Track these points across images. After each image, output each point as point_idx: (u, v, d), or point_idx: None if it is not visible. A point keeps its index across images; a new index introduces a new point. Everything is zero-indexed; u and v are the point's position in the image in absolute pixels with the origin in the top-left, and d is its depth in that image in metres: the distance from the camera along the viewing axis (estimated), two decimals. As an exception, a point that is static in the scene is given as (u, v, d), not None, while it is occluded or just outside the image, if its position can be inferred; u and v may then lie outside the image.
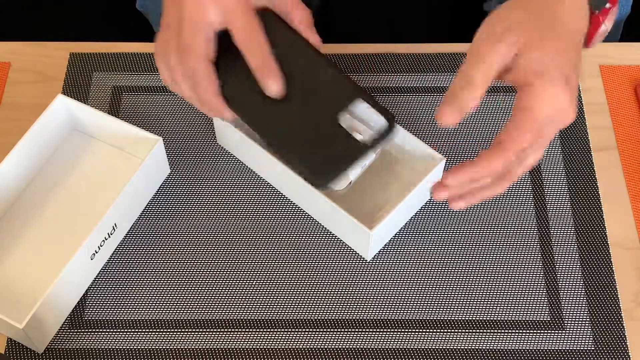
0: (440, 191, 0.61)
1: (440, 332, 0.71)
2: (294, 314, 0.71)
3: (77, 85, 0.84)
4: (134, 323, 0.71)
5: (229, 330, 0.71)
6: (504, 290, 0.73)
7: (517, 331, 0.71)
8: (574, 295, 0.72)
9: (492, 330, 0.71)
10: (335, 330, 0.71)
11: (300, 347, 0.70)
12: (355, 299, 0.72)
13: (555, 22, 0.60)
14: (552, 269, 0.74)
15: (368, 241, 0.71)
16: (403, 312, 0.71)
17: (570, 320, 0.71)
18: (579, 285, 0.73)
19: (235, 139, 0.77)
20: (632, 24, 1.02)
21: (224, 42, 0.66)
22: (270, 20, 0.67)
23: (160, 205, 0.77)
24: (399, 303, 0.72)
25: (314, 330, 0.71)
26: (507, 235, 0.75)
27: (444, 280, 0.73)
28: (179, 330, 0.71)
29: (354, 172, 0.69)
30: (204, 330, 0.71)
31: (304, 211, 0.76)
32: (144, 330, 0.71)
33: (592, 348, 0.70)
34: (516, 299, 0.72)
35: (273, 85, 0.63)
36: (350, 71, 0.85)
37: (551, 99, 0.58)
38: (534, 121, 0.58)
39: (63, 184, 0.77)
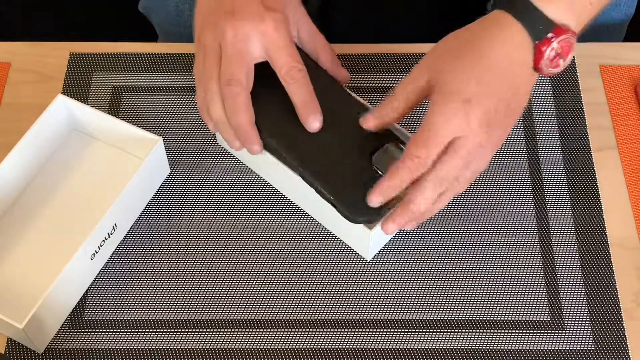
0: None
1: (440, 332, 0.71)
2: (294, 314, 0.71)
3: (77, 85, 0.84)
4: (134, 323, 0.71)
5: (229, 330, 0.71)
6: (504, 290, 0.73)
7: (517, 331, 0.71)
8: (574, 295, 0.72)
9: (492, 330, 0.71)
10: (335, 330, 0.71)
11: (300, 347, 0.70)
12: (355, 299, 0.72)
13: (473, 50, 0.65)
14: (552, 269, 0.74)
15: (368, 241, 0.71)
16: (403, 312, 0.71)
17: (570, 320, 0.71)
18: (579, 285, 0.73)
19: None
20: (637, 25, 1.02)
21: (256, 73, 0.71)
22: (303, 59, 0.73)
23: (160, 205, 0.77)
24: (399, 303, 0.72)
25: (314, 330, 0.71)
26: (507, 235, 0.75)
27: (444, 280, 0.73)
28: (179, 330, 0.71)
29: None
30: (204, 330, 0.71)
31: (303, 211, 0.76)
32: (144, 330, 0.71)
33: (592, 348, 0.70)
34: (516, 299, 0.72)
35: (315, 122, 0.70)
36: (350, 71, 0.84)
37: (439, 109, 0.63)
38: (423, 131, 0.64)
39: (63, 184, 0.77)
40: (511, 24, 0.64)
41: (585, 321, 0.71)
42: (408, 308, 0.72)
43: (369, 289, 0.73)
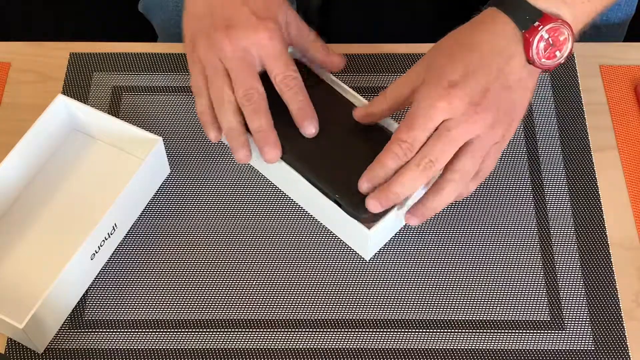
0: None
1: (440, 332, 0.71)
2: (294, 314, 0.71)
3: (77, 85, 0.84)
4: (134, 323, 0.71)
5: (229, 330, 0.71)
6: (504, 290, 0.73)
7: (517, 331, 0.71)
8: (574, 295, 0.72)
9: (492, 330, 0.71)
10: (335, 330, 0.71)
11: (300, 347, 0.70)
12: (355, 299, 0.72)
13: (464, 44, 0.67)
14: (552, 269, 0.74)
15: (367, 241, 0.71)
16: (403, 312, 0.71)
17: (570, 320, 0.71)
18: (579, 285, 0.73)
19: None
20: (637, 25, 1.02)
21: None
22: (299, 68, 0.75)
23: (160, 205, 0.77)
24: (399, 303, 0.72)
25: (314, 330, 0.71)
26: (507, 235, 0.75)
27: (444, 280, 0.73)
28: (179, 330, 0.71)
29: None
30: (204, 330, 0.71)
31: (303, 211, 0.76)
32: (144, 330, 0.71)
33: (592, 348, 0.70)
34: (516, 299, 0.72)
35: (310, 127, 0.72)
36: (350, 71, 0.85)
37: (423, 95, 0.65)
38: (409, 117, 0.66)
39: (63, 183, 0.77)
40: (501, 17, 0.66)
41: (585, 321, 0.71)
42: (408, 308, 0.72)
43: (369, 289, 0.73)
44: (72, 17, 1.52)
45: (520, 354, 0.70)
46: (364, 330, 0.71)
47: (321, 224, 0.76)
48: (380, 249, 0.74)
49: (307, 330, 0.71)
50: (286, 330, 0.71)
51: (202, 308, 0.72)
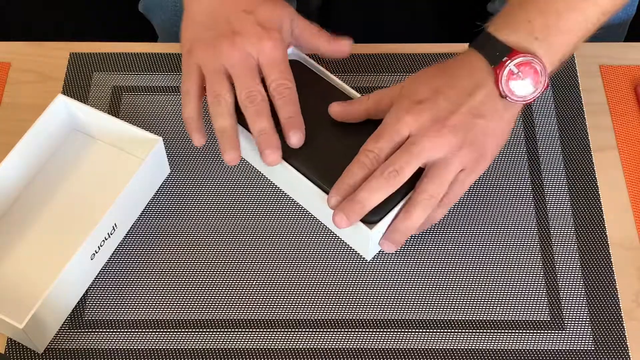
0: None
1: (440, 332, 0.71)
2: (294, 314, 0.71)
3: (77, 85, 0.84)
4: (134, 323, 0.71)
5: (229, 330, 0.71)
6: (504, 290, 0.73)
7: (517, 331, 0.71)
8: (574, 295, 0.72)
9: (492, 330, 0.71)
10: (335, 330, 0.71)
11: (300, 347, 0.70)
12: (355, 299, 0.72)
13: (440, 69, 0.70)
14: (552, 269, 0.74)
15: (368, 241, 0.71)
16: (403, 312, 0.71)
17: (570, 320, 0.71)
18: (579, 285, 0.73)
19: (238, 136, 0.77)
20: (638, 25, 1.02)
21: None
22: (300, 69, 0.77)
23: (160, 205, 0.77)
24: (399, 303, 0.72)
25: (314, 330, 0.71)
26: (507, 235, 0.75)
27: (444, 280, 0.73)
28: (179, 330, 0.71)
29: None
30: (204, 330, 0.71)
31: (303, 211, 0.76)
32: (144, 330, 0.71)
33: (592, 348, 0.70)
34: (516, 299, 0.72)
35: (294, 137, 0.72)
36: (350, 71, 0.85)
37: (393, 109, 0.69)
38: (378, 129, 0.69)
39: (63, 183, 0.77)
40: (475, 55, 0.69)
41: (585, 321, 0.71)
42: (408, 308, 0.72)
43: (369, 289, 0.73)
44: (72, 17, 1.52)
45: (520, 354, 0.70)
46: (364, 330, 0.71)
47: (322, 224, 0.76)
48: (381, 249, 0.74)
49: (307, 330, 0.71)
50: (286, 330, 0.71)
51: (202, 308, 0.72)
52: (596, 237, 0.75)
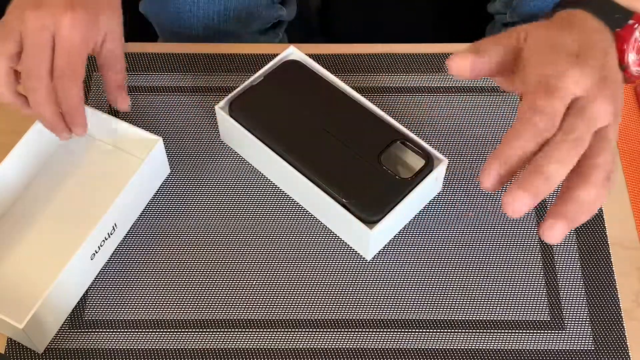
0: (485, 176, 0.52)
1: (440, 332, 0.71)
2: (294, 314, 0.71)
3: (77, 85, 0.84)
4: (134, 323, 0.71)
5: (229, 330, 0.71)
6: (504, 290, 0.73)
7: (517, 331, 0.71)
8: (574, 295, 0.72)
9: (492, 330, 0.71)
10: (335, 330, 0.71)
11: (300, 347, 0.70)
12: (355, 299, 0.72)
13: (564, 24, 0.57)
14: (552, 269, 0.74)
15: (368, 241, 0.71)
16: (403, 312, 0.71)
17: (570, 320, 0.71)
18: (579, 285, 0.73)
19: (238, 135, 0.77)
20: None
21: (267, 92, 0.76)
22: (300, 69, 0.77)
23: (160, 205, 0.77)
24: (399, 303, 0.72)
25: (314, 330, 0.71)
26: (507, 235, 0.75)
27: (444, 280, 0.73)
28: (179, 330, 0.71)
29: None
30: (204, 330, 0.71)
31: (304, 211, 0.77)
32: (144, 330, 0.71)
33: (592, 348, 0.70)
34: (516, 299, 0.72)
35: (76, 131, 0.70)
36: (350, 71, 0.85)
37: (544, 60, 0.54)
38: (540, 85, 0.53)
39: (63, 183, 0.77)
40: (588, 14, 0.58)
41: (585, 321, 0.71)
42: (408, 308, 0.72)
43: (369, 289, 0.73)
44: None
45: (520, 354, 0.70)
46: (364, 330, 0.71)
47: (322, 223, 0.76)
48: (381, 249, 0.74)
49: (307, 330, 0.71)
50: (286, 330, 0.71)
51: (202, 308, 0.72)
52: (596, 237, 0.75)
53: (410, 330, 0.71)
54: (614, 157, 0.53)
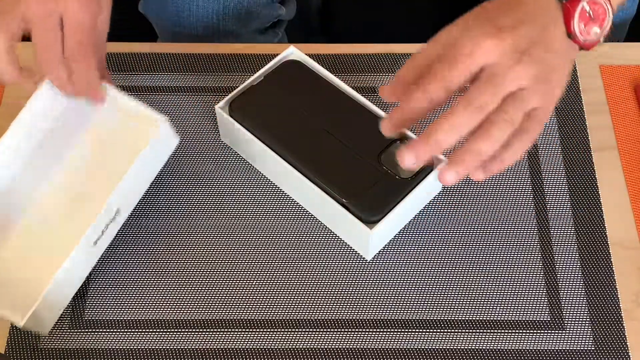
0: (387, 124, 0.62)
1: (440, 332, 0.71)
2: (294, 314, 0.71)
3: (77, 85, 0.84)
4: (134, 323, 0.71)
5: (229, 330, 0.71)
6: (504, 290, 0.73)
7: (517, 331, 0.71)
8: (574, 295, 0.72)
9: (492, 330, 0.71)
10: (335, 330, 0.71)
11: (300, 347, 0.70)
12: (355, 299, 0.72)
13: (516, 7, 0.62)
14: (552, 269, 0.74)
15: (368, 241, 0.71)
16: (403, 312, 0.71)
17: (570, 320, 0.71)
18: (579, 285, 0.73)
19: (238, 135, 0.77)
20: (637, 25, 1.02)
21: (267, 94, 0.76)
22: (300, 69, 0.77)
23: (161, 205, 0.77)
24: (399, 303, 0.72)
25: (314, 330, 0.71)
26: (507, 235, 0.75)
27: (444, 280, 0.73)
28: (179, 330, 0.71)
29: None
30: (204, 330, 0.71)
31: (303, 211, 0.77)
32: (144, 330, 0.71)
33: (592, 348, 0.70)
34: (516, 299, 0.72)
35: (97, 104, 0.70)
36: (350, 71, 0.85)
37: (469, 35, 0.60)
38: (450, 51, 0.60)
39: (62, 170, 0.76)
40: None
41: (585, 321, 0.71)
42: (408, 308, 0.72)
43: (369, 289, 0.73)
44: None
45: (520, 354, 0.70)
46: (364, 330, 0.71)
47: (321, 223, 0.76)
48: (381, 249, 0.74)
49: (307, 330, 0.71)
50: (286, 330, 0.71)
51: (202, 308, 0.72)
52: (596, 237, 0.75)
53: (410, 330, 0.71)
54: (540, 129, 0.60)
